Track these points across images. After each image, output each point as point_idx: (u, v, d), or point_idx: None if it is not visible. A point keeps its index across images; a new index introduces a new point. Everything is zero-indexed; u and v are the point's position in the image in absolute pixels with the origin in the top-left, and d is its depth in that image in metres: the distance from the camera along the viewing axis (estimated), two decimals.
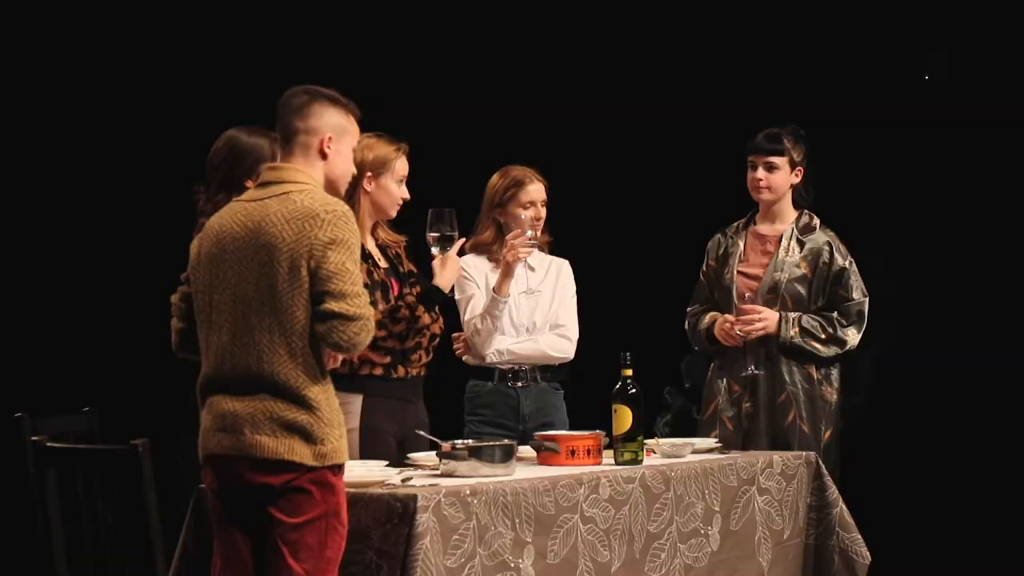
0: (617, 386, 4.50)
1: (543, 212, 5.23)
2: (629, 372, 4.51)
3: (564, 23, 6.93)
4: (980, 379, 6.45)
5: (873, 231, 6.57)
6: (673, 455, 4.69)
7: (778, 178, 5.37)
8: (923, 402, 6.54)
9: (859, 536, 4.84)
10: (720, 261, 5.45)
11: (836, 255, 5.33)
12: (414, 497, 3.76)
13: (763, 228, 5.44)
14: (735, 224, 5.51)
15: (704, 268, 5.52)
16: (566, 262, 5.40)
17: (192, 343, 3.76)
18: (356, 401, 4.55)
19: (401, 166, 4.72)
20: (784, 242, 5.36)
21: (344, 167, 3.78)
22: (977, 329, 6.50)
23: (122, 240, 6.69)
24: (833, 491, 4.88)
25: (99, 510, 4.24)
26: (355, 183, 4.65)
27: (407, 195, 4.73)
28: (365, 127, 4.74)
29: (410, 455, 4.46)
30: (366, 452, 4.51)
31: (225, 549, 3.66)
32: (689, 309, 5.53)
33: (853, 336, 5.30)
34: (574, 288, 5.36)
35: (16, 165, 6.64)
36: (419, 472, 4.21)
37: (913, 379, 6.55)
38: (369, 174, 4.67)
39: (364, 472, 4.01)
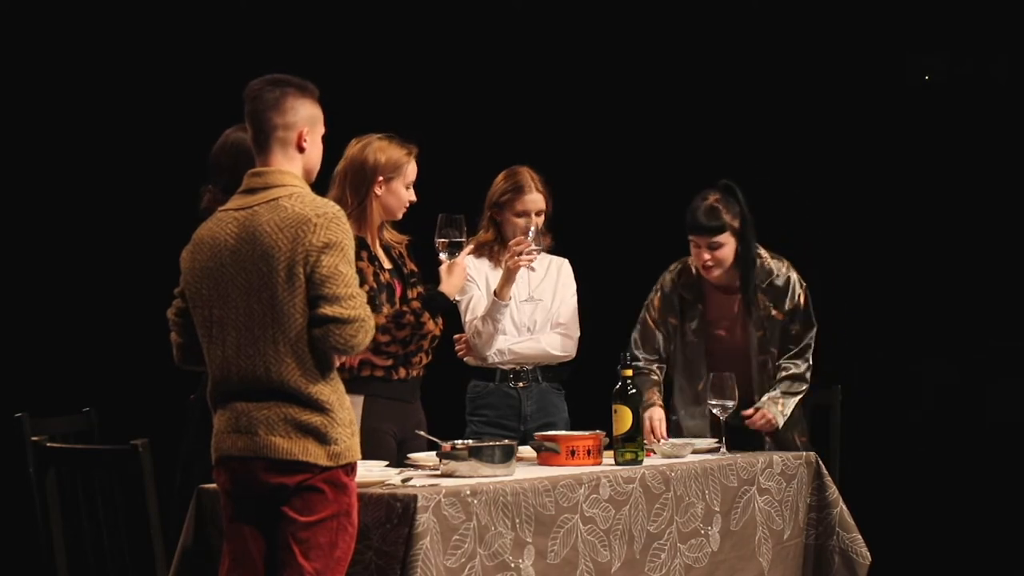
0: (617, 386, 4.50)
1: (539, 222, 5.18)
2: (629, 372, 4.51)
3: (563, 22, 6.93)
4: (978, 376, 6.46)
5: (872, 231, 6.58)
6: (673, 455, 4.69)
7: (724, 253, 5.04)
8: (921, 401, 6.54)
9: (859, 536, 4.84)
10: (682, 317, 5.16)
11: (796, 287, 5.07)
12: (414, 497, 3.76)
13: (717, 281, 5.12)
14: (678, 274, 5.20)
15: (654, 316, 5.21)
16: (566, 261, 5.38)
17: (194, 356, 3.75)
18: (357, 402, 4.53)
19: (411, 170, 4.70)
20: (749, 295, 5.08)
21: (317, 156, 3.78)
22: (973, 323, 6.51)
23: (122, 240, 6.69)
24: (833, 491, 4.87)
25: (99, 510, 4.25)
26: (367, 186, 4.66)
27: (414, 198, 4.72)
28: (366, 128, 4.77)
29: (410, 455, 4.46)
30: (366, 452, 4.48)
31: (234, 549, 3.66)
32: (639, 355, 5.17)
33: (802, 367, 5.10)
34: (574, 287, 5.35)
35: (16, 166, 6.64)
36: (419, 472, 4.21)
37: (909, 377, 6.56)
38: (381, 178, 4.66)
39: (364, 472, 4.00)
